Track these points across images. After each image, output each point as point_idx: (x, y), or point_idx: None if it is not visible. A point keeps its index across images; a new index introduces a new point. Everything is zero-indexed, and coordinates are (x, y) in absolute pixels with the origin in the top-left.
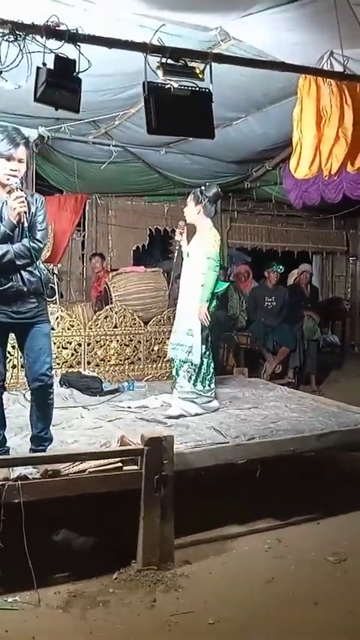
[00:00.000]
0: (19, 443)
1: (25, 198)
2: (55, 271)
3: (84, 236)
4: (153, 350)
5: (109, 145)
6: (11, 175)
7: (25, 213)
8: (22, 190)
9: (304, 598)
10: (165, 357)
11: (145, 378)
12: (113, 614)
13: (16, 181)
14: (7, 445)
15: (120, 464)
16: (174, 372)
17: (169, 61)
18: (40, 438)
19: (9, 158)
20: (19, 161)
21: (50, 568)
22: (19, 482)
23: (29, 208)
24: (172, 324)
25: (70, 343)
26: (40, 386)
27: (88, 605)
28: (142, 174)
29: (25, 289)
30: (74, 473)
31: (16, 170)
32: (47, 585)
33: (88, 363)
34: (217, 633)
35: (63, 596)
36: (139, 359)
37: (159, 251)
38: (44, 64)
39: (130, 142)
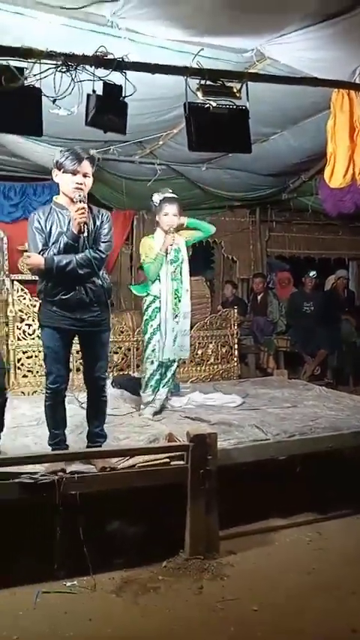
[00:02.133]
0: (74, 440)
1: (90, 211)
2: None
3: (132, 249)
4: (197, 354)
5: (154, 164)
6: (77, 189)
7: (87, 224)
8: (84, 203)
9: (343, 588)
10: (208, 361)
11: (190, 380)
12: (163, 600)
13: (80, 194)
14: (66, 443)
15: (167, 459)
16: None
17: (208, 82)
18: (96, 434)
19: (74, 172)
20: (84, 175)
21: (104, 556)
22: (76, 475)
23: (94, 221)
24: (214, 330)
25: (121, 348)
26: (96, 387)
27: (139, 591)
28: (184, 190)
29: (88, 298)
30: (125, 467)
31: (81, 184)
32: (102, 572)
33: (137, 366)
34: (261, 619)
35: (116, 582)
36: (184, 362)
37: (202, 260)
38: (94, 91)
39: (173, 160)
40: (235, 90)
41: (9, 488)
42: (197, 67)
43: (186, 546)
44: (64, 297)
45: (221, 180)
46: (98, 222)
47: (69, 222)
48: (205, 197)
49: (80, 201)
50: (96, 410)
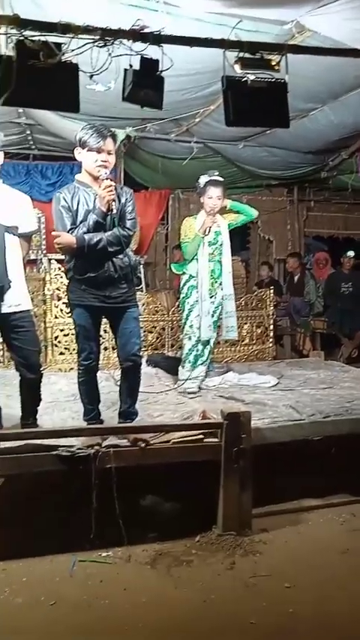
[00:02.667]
0: (110, 416)
1: (115, 189)
2: (142, 262)
3: (167, 229)
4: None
5: (190, 142)
6: (102, 167)
7: (115, 202)
8: (111, 180)
9: None
10: (243, 341)
11: (224, 360)
12: (196, 573)
13: (106, 172)
14: (100, 418)
15: (201, 436)
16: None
17: (246, 55)
18: (128, 412)
19: (99, 150)
20: (108, 153)
21: (139, 529)
22: (111, 449)
23: (119, 199)
24: (249, 310)
25: (155, 327)
26: (131, 365)
27: (172, 563)
28: (221, 169)
29: (116, 275)
30: (159, 443)
31: (105, 161)
32: (136, 544)
33: (172, 345)
34: (293, 596)
35: (150, 554)
36: (219, 342)
37: (237, 241)
38: (130, 66)
39: (209, 138)
40: (274, 62)
41: (47, 460)
42: (235, 39)
43: (219, 522)
44: (92, 274)
45: (259, 158)
46: (123, 200)
47: (94, 200)
48: (242, 175)
49: (107, 179)
50: (129, 387)
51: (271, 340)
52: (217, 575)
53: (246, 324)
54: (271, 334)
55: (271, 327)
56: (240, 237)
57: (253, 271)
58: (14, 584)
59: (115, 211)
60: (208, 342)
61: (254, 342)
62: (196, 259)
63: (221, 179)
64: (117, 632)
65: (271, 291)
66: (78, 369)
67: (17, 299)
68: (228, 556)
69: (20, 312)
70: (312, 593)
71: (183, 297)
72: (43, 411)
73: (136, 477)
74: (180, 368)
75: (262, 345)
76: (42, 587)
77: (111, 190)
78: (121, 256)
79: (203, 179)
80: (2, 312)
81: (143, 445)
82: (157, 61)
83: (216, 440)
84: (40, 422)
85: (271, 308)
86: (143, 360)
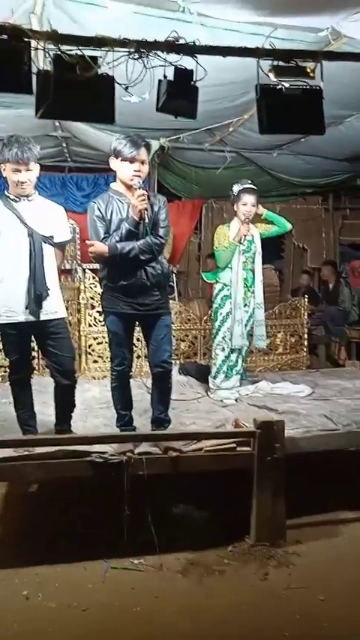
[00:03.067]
0: (143, 423)
1: (148, 198)
2: (174, 271)
3: (200, 238)
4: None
5: (223, 151)
6: (135, 176)
7: (147, 210)
8: (144, 190)
9: None
10: (276, 350)
11: (257, 370)
12: (228, 583)
13: (139, 181)
14: (133, 424)
15: (234, 445)
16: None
17: (281, 64)
18: (160, 419)
19: (132, 160)
20: (142, 163)
21: (170, 537)
22: (144, 457)
23: (152, 207)
24: (284, 319)
25: (188, 336)
26: (161, 372)
27: (204, 573)
28: (254, 177)
29: (149, 283)
30: (191, 451)
31: (139, 171)
32: (168, 552)
33: (204, 354)
34: (328, 610)
35: (182, 563)
36: (252, 351)
37: (271, 249)
38: (165, 77)
39: (243, 147)
40: (308, 70)
41: (80, 466)
42: (270, 47)
43: (252, 532)
44: (125, 282)
45: (293, 166)
46: (156, 208)
47: (128, 209)
48: (276, 184)
49: (140, 188)
50: (160, 395)
51: (305, 349)
52: (250, 585)
53: (279, 332)
54: (306, 343)
55: (305, 336)
56: (274, 245)
57: (286, 280)
58: (47, 588)
59: (147, 220)
60: (240, 350)
61: (288, 351)
62: (230, 267)
63: (254, 187)
64: (148, 639)
65: (306, 299)
66: (111, 375)
67: (54, 307)
68: (261, 567)
69: (56, 319)
70: (347, 608)
71: (216, 307)
72: (76, 417)
73: (168, 484)
74: (211, 378)
75: (296, 355)
76: (74, 592)
77: (144, 199)
78: (153, 264)
79: (237, 187)
80: (40, 319)
81: (175, 453)
82: (191, 71)
83: (249, 449)
84: (74, 428)
85: (305, 317)
86: (175, 369)
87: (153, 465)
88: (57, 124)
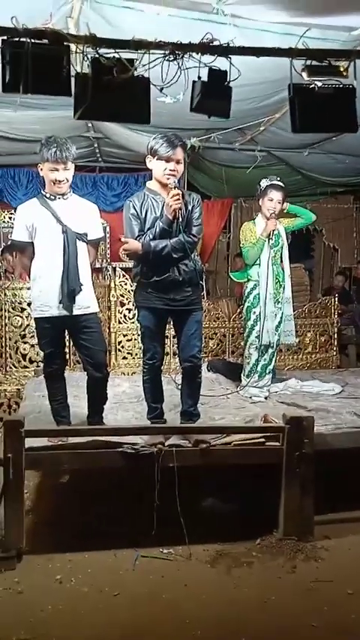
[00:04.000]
0: (172, 417)
1: (183, 196)
2: (204, 269)
3: (229, 237)
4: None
5: (254, 151)
6: (170, 175)
7: (181, 209)
8: (178, 189)
9: None
10: (306, 349)
11: (286, 368)
12: (256, 575)
13: (174, 180)
14: (164, 417)
15: (263, 439)
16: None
17: (314, 63)
18: (190, 413)
19: (168, 159)
20: (177, 162)
21: (199, 528)
22: (174, 449)
23: (186, 206)
24: (314, 318)
25: (216, 334)
26: (191, 366)
27: (233, 564)
28: (285, 176)
29: (181, 279)
30: (221, 444)
31: (174, 170)
32: (197, 543)
33: (232, 352)
34: (356, 603)
35: (211, 554)
36: (281, 350)
37: (301, 249)
38: (199, 78)
39: (274, 146)
40: (342, 69)
41: (112, 456)
42: (303, 47)
43: (280, 526)
44: (158, 279)
45: (324, 165)
46: (190, 207)
47: (162, 208)
48: (307, 183)
49: (175, 188)
50: (190, 389)
51: (335, 349)
52: (278, 577)
53: (309, 331)
54: (335, 342)
55: (335, 335)
56: (304, 245)
57: (317, 280)
58: (80, 574)
59: (181, 219)
60: (272, 347)
61: (317, 350)
62: (258, 264)
63: (281, 184)
64: (177, 625)
65: (336, 298)
66: (143, 369)
67: (87, 301)
68: (289, 560)
69: (89, 314)
70: None
71: (249, 306)
72: (107, 411)
73: (198, 477)
74: (244, 377)
75: (326, 354)
76: (106, 578)
77: (178, 199)
78: (186, 261)
79: (264, 182)
80: (73, 313)
81: (205, 446)
82: (225, 72)
83: (278, 444)
84: (105, 421)
85: (336, 316)
86: (204, 366)
87: (183, 457)
88: (89, 124)
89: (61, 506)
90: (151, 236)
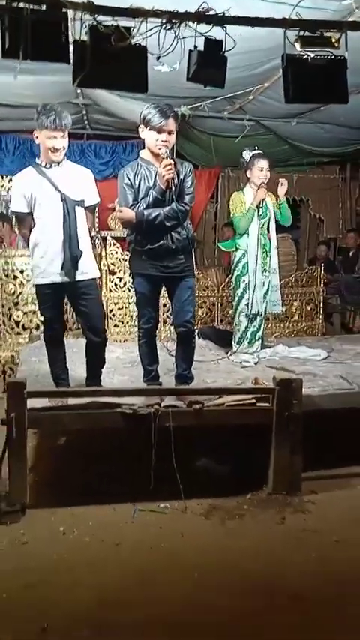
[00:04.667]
0: (167, 381)
1: (175, 166)
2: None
3: (217, 207)
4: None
5: (243, 120)
6: (162, 146)
7: (173, 179)
8: (170, 159)
9: None
10: (292, 318)
11: (274, 336)
12: (247, 525)
13: (166, 150)
14: (159, 380)
15: (254, 401)
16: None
17: (307, 34)
18: (184, 376)
19: (160, 130)
20: (169, 133)
21: (194, 484)
22: (170, 409)
23: (178, 175)
24: (300, 287)
25: (206, 303)
26: (184, 331)
27: (225, 516)
28: (272, 146)
29: (174, 247)
30: (214, 406)
31: (166, 141)
32: (191, 498)
33: (221, 320)
34: (342, 549)
35: (204, 507)
36: (268, 318)
37: None
38: (195, 47)
39: (262, 116)
40: (334, 40)
41: (111, 417)
42: (296, 18)
43: (270, 482)
44: (152, 246)
45: (312, 134)
46: (182, 176)
47: (155, 177)
48: (294, 153)
49: (167, 157)
50: (184, 353)
51: (320, 317)
52: (269, 528)
53: (296, 300)
54: (321, 311)
55: (321, 304)
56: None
57: (302, 250)
58: (82, 526)
59: (173, 188)
60: (260, 315)
61: (303, 318)
62: (247, 234)
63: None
64: (176, 571)
65: (322, 267)
66: (138, 333)
67: (86, 267)
68: (278, 512)
69: (88, 279)
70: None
71: (238, 275)
72: (104, 375)
73: (193, 437)
74: (234, 344)
75: (312, 322)
76: (107, 530)
77: (170, 169)
78: (179, 229)
79: (247, 154)
80: (74, 279)
81: (199, 407)
82: (221, 42)
83: (268, 405)
84: (103, 384)
85: (322, 285)
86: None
87: (178, 417)
88: (79, 91)
89: (61, 467)
90: (144, 205)
